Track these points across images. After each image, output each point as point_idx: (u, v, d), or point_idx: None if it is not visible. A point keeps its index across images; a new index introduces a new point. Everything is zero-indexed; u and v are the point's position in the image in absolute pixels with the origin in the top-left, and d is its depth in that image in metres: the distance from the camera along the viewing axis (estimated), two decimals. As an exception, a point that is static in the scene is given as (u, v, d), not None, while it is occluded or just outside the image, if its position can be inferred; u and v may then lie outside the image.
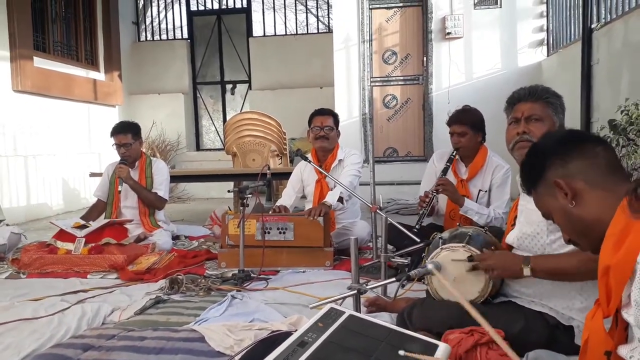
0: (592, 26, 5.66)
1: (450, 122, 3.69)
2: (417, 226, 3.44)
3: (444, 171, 3.64)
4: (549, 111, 2.18)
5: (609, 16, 5.47)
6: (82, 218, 4.52)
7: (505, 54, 7.57)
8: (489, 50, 7.57)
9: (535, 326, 2.06)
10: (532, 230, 2.07)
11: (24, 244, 4.51)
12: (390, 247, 3.61)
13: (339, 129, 4.32)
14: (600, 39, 5.50)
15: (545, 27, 7.44)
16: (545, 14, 7.43)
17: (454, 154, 3.67)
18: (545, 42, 7.44)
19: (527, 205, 2.13)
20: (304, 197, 4.41)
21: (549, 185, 1.36)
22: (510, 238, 2.21)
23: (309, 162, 3.95)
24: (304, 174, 4.36)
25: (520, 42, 7.54)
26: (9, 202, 6.57)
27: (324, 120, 4.19)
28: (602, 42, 5.46)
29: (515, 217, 2.23)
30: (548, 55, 7.37)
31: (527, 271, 1.98)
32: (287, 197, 4.35)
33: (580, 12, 5.95)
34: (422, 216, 3.51)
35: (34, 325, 2.62)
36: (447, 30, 7.50)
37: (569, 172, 1.32)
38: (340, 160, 4.22)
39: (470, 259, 2.13)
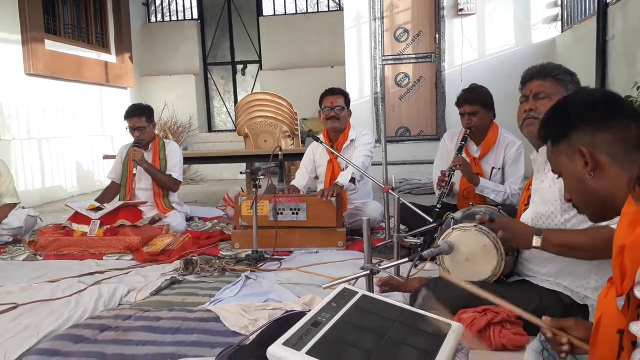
0: (608, 1, 5.56)
1: (460, 103, 3.63)
2: (438, 205, 3.42)
3: (459, 150, 3.60)
4: (559, 88, 2.16)
5: (625, -10, 5.37)
6: (96, 200, 4.56)
7: (518, 30, 7.46)
8: (502, 26, 7.46)
9: (549, 305, 2.06)
10: (546, 210, 2.07)
11: (39, 227, 4.56)
12: (403, 227, 3.61)
13: (350, 108, 4.30)
14: (616, 13, 5.40)
15: (559, 2, 7.30)
16: (559, -12, 7.30)
17: (467, 133, 3.62)
18: (560, 17, 7.31)
19: (540, 184, 2.12)
20: (317, 177, 4.41)
21: (570, 148, 1.32)
22: (524, 218, 2.21)
23: (321, 142, 3.94)
24: (315, 154, 4.36)
25: (534, 18, 7.42)
26: (24, 185, 6.64)
27: (334, 100, 4.16)
28: (618, 17, 5.36)
29: (529, 196, 2.23)
30: (562, 31, 7.25)
31: (537, 241, 1.96)
32: (300, 178, 4.36)
33: (596, -14, 5.84)
34: (441, 196, 3.49)
35: (51, 306, 2.67)
36: (460, 7, 7.39)
37: (595, 142, 1.27)
38: (352, 140, 4.20)
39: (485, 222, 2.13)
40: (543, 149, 2.13)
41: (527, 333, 2.00)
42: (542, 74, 2.20)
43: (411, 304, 2.22)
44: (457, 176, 3.61)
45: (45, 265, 3.63)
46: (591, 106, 1.32)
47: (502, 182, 3.66)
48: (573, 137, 1.31)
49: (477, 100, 3.56)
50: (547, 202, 2.07)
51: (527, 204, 2.23)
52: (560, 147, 1.36)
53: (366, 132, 4.28)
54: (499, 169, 3.67)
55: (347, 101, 4.24)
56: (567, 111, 1.36)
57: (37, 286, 3.03)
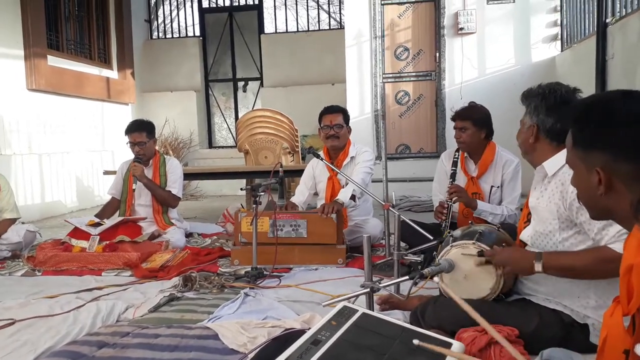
0: (607, 20, 5.60)
1: (454, 117, 3.70)
2: (447, 233, 3.40)
3: (452, 177, 3.61)
4: (524, 116, 2.22)
5: (624, 10, 5.40)
6: (96, 216, 4.56)
7: (518, 49, 7.51)
8: (502, 45, 7.51)
9: (550, 324, 2.06)
10: (544, 229, 2.07)
11: (39, 242, 4.55)
12: (403, 244, 3.60)
13: (350, 125, 4.30)
14: (615, 33, 5.44)
15: (559, 22, 7.36)
16: (559, 8, 7.35)
17: (457, 156, 3.66)
18: (559, 36, 7.36)
19: (537, 202, 2.13)
20: (317, 194, 4.41)
21: (590, 162, 1.26)
22: (524, 236, 2.20)
23: (321, 159, 3.94)
24: (315, 170, 4.36)
25: (534, 37, 7.47)
26: (24, 200, 6.64)
27: (333, 119, 4.17)
28: (617, 37, 5.40)
29: (529, 213, 2.23)
30: (562, 50, 7.29)
31: (538, 266, 1.97)
32: (300, 195, 4.35)
33: (595, 6, 5.88)
34: (444, 229, 3.48)
35: (49, 323, 2.65)
36: (460, 26, 7.45)
37: (615, 171, 1.22)
38: (352, 158, 4.20)
39: (481, 254, 2.13)
40: (540, 168, 2.14)
41: (527, 352, 1.99)
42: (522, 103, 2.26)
43: (411, 323, 2.21)
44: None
45: (43, 281, 3.61)
46: (630, 139, 1.21)
47: (502, 200, 3.67)
48: (597, 154, 1.25)
49: (468, 116, 3.61)
50: (545, 220, 2.06)
51: (527, 220, 2.23)
52: (579, 152, 1.31)
53: (366, 149, 4.28)
54: (498, 187, 3.67)
55: (346, 118, 4.24)
56: (602, 128, 1.25)
57: (35, 302, 3.01)
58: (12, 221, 4.37)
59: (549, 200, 2.06)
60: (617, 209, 1.24)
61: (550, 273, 1.99)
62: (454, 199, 3.47)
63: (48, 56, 7.17)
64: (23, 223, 4.66)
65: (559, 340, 2.02)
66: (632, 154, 1.20)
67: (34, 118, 6.97)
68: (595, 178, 1.24)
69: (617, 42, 5.41)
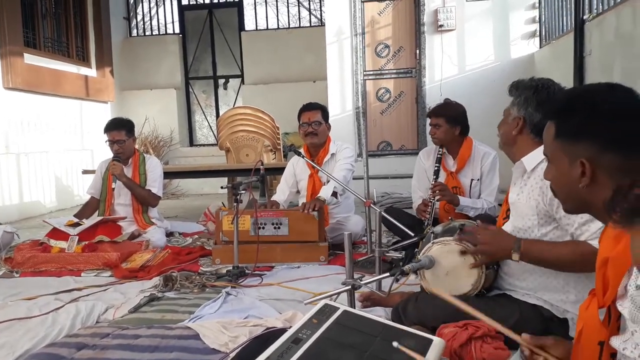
0: (584, 17, 5.66)
1: (429, 114, 3.76)
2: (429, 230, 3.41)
3: (436, 173, 3.63)
4: (511, 106, 2.22)
5: (600, 7, 5.47)
6: (75, 216, 4.50)
7: (497, 46, 7.57)
8: (481, 42, 7.56)
9: (530, 319, 2.07)
10: (524, 224, 2.08)
11: (17, 243, 4.49)
12: (386, 240, 3.61)
13: (332, 122, 4.29)
14: (593, 30, 5.50)
15: (537, 19, 7.43)
16: (537, 5, 7.42)
17: (440, 152, 3.68)
18: (538, 33, 7.43)
19: (516, 198, 2.14)
20: (298, 192, 4.40)
21: (574, 153, 1.23)
22: (504, 232, 2.21)
23: (302, 156, 3.94)
24: (296, 168, 4.35)
25: (513, 34, 7.53)
26: (2, 201, 6.54)
27: (311, 116, 4.17)
28: (595, 34, 5.46)
29: (508, 209, 2.24)
30: (540, 47, 7.36)
31: (515, 257, 1.98)
32: (281, 193, 4.34)
33: (573, 3, 5.95)
34: (427, 227, 3.49)
35: (27, 325, 2.61)
36: (440, 23, 7.48)
37: (600, 162, 1.18)
38: (332, 154, 4.21)
39: (462, 226, 2.12)
40: (519, 163, 2.15)
41: (508, 348, 2.00)
42: (510, 93, 2.26)
43: (393, 320, 2.21)
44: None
45: (21, 283, 3.56)
46: (619, 129, 1.18)
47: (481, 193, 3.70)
48: (583, 145, 1.22)
49: (442, 114, 3.66)
50: (524, 216, 2.07)
51: (506, 217, 2.24)
52: (562, 144, 1.27)
53: (347, 146, 4.29)
54: (478, 179, 3.70)
55: (325, 115, 4.24)
56: (587, 117, 1.22)
57: (13, 304, 2.97)
58: (-11, 222, 4.31)
59: (528, 196, 2.07)
60: (596, 202, 1.22)
61: (528, 262, 2.00)
62: (437, 197, 3.49)
63: (24, 54, 7.05)
64: (0, 224, 4.60)
65: (538, 335, 2.03)
66: (619, 145, 1.17)
67: (12, 117, 6.86)
68: (578, 170, 1.21)
69: (594, 38, 5.47)
